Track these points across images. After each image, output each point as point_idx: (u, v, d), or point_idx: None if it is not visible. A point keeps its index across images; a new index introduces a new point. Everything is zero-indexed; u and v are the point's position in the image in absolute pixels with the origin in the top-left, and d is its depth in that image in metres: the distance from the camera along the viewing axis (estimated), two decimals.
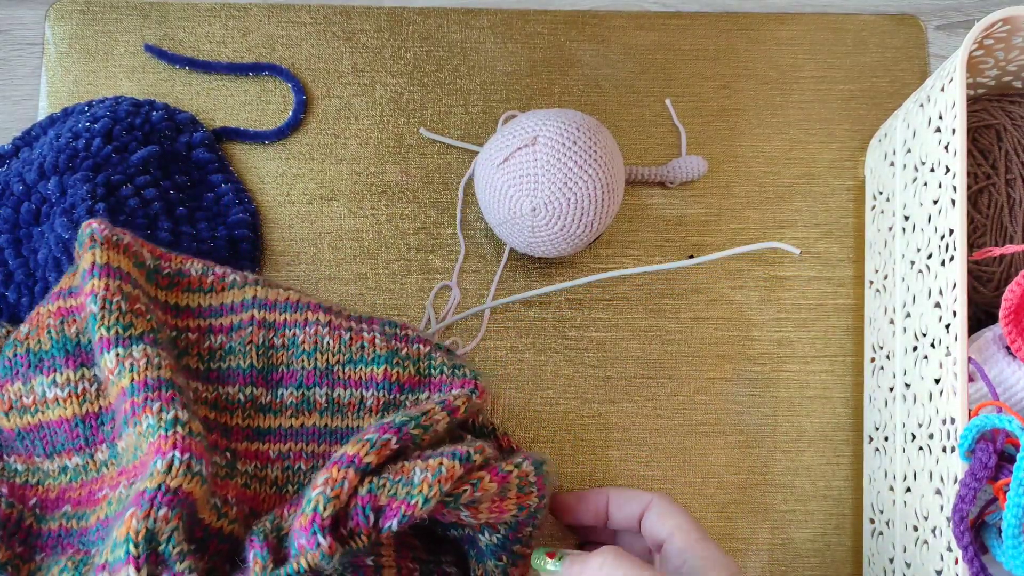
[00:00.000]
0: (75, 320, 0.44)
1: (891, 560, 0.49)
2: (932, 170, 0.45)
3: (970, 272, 0.49)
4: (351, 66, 0.56)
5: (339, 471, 0.38)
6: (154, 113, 0.53)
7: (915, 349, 0.47)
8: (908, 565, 0.47)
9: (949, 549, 0.42)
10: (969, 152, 0.50)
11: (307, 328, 0.47)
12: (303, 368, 0.47)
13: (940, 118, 0.44)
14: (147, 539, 0.36)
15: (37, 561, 0.42)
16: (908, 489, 0.47)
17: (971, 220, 0.49)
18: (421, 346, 0.47)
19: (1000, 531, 0.39)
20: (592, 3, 0.58)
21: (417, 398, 0.47)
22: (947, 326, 0.43)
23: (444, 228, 0.55)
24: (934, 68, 0.57)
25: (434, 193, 0.55)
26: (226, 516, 0.40)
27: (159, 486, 0.37)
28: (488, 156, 0.49)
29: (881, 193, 0.53)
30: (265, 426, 0.46)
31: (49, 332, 0.44)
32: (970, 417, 0.40)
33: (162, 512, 0.36)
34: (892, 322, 0.50)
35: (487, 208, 0.50)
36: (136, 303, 0.43)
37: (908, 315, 0.48)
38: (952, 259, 0.42)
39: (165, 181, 0.51)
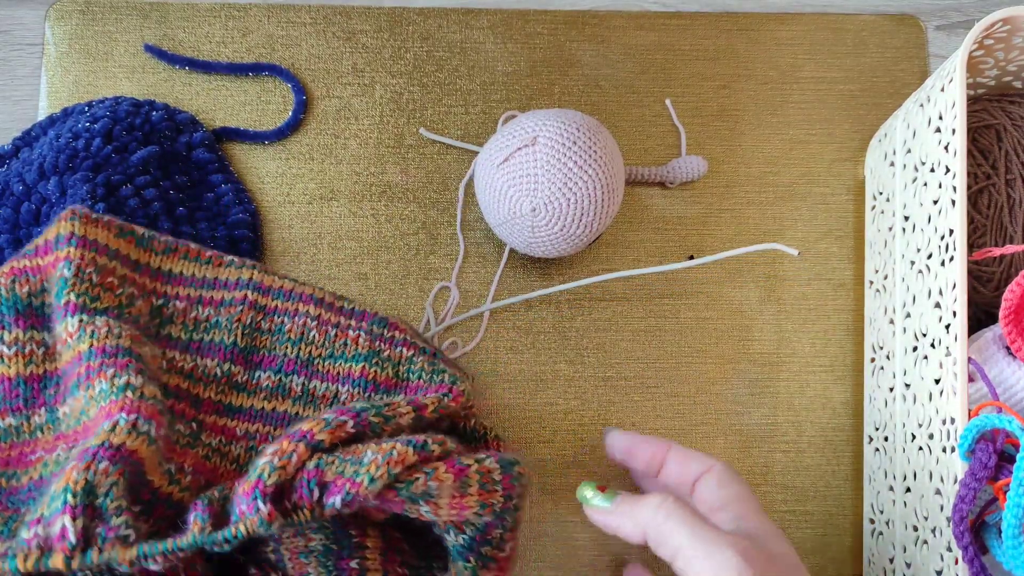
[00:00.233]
0: (28, 280, 0.44)
1: (891, 560, 0.49)
2: (932, 170, 0.45)
3: (970, 272, 0.49)
4: (351, 66, 0.56)
5: (290, 444, 0.38)
6: (154, 113, 0.53)
7: (915, 349, 0.47)
8: (908, 565, 0.47)
9: (949, 549, 0.42)
10: (969, 152, 0.50)
11: (296, 318, 0.47)
12: (285, 355, 0.47)
13: (940, 118, 0.44)
14: (86, 490, 0.36)
15: None
16: (908, 489, 0.47)
17: (971, 220, 0.49)
18: (404, 349, 0.48)
19: (1000, 531, 0.39)
20: (592, 3, 0.58)
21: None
22: (947, 326, 0.43)
23: (444, 228, 0.55)
24: (934, 68, 0.57)
25: (434, 193, 0.55)
26: (178, 483, 0.40)
27: (103, 443, 0.37)
28: (488, 156, 0.49)
29: (881, 193, 0.53)
30: (237, 404, 0.46)
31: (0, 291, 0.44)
32: (970, 417, 0.40)
33: (102, 466, 0.36)
34: (892, 322, 0.50)
35: (487, 208, 0.50)
36: (109, 276, 0.44)
37: (908, 315, 0.48)
38: (952, 259, 0.42)
39: (165, 181, 0.51)
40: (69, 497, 0.36)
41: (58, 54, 0.55)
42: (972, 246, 0.49)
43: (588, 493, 0.40)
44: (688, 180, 0.55)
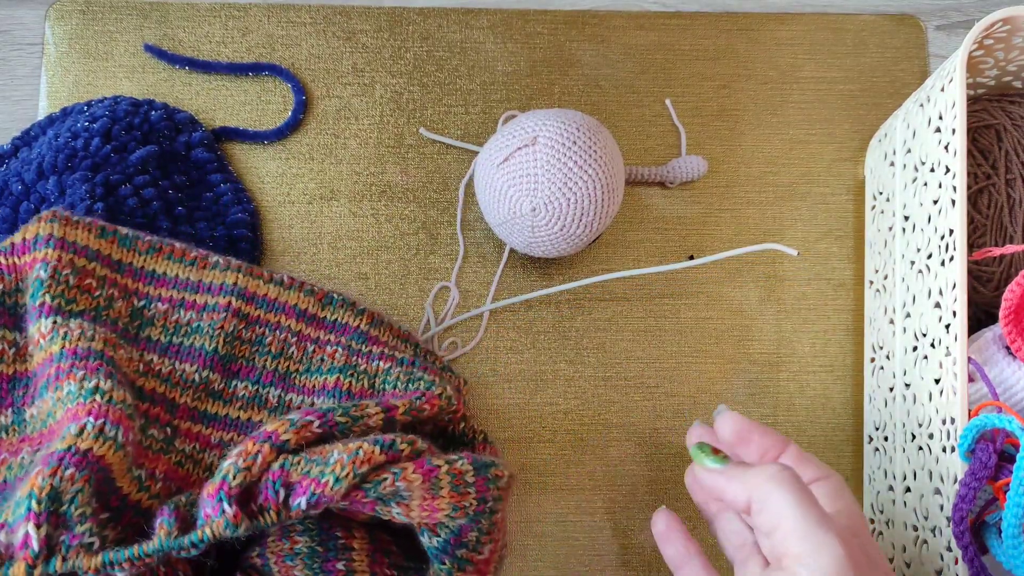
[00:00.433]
0: (2, 279, 0.44)
1: (891, 560, 0.48)
2: (932, 170, 0.45)
3: (970, 272, 0.49)
4: (351, 66, 0.56)
5: (254, 445, 0.37)
6: (153, 113, 0.53)
7: (915, 349, 0.47)
8: (908, 565, 0.47)
9: (949, 549, 0.42)
10: (969, 152, 0.50)
11: (277, 332, 0.47)
12: (263, 367, 0.47)
13: (940, 118, 0.44)
14: (50, 497, 0.35)
15: None
16: (908, 489, 0.47)
17: (971, 220, 0.49)
18: (381, 363, 0.47)
19: (1000, 531, 0.39)
20: (592, 3, 0.58)
21: None
22: (947, 326, 0.43)
23: (444, 228, 0.55)
24: (934, 68, 0.57)
25: (434, 193, 0.55)
26: (147, 489, 0.40)
27: (69, 447, 0.37)
28: (488, 156, 0.49)
29: (881, 193, 0.53)
30: (212, 412, 0.46)
31: None
32: (970, 417, 0.40)
33: (68, 472, 0.36)
34: (892, 322, 0.50)
35: (487, 208, 0.50)
36: (87, 278, 0.44)
37: (908, 315, 0.48)
38: (952, 259, 0.42)
39: (164, 181, 0.51)
40: (33, 504, 0.35)
41: (58, 54, 0.55)
42: (972, 246, 0.49)
43: (701, 455, 0.37)
44: (688, 180, 0.55)
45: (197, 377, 0.46)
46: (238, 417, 0.46)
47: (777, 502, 0.33)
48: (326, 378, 0.47)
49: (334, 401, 0.46)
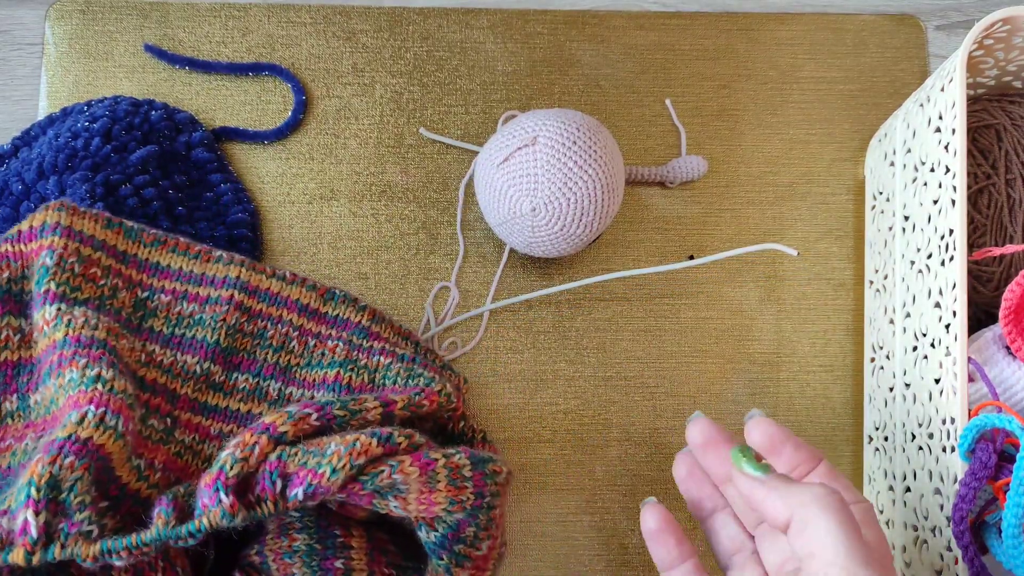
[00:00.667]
0: (9, 265, 0.44)
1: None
2: (932, 170, 0.45)
3: (970, 272, 0.49)
4: (351, 66, 0.56)
5: (252, 436, 0.37)
6: (153, 113, 0.53)
7: (915, 349, 0.47)
8: (908, 565, 0.47)
9: (949, 549, 0.42)
10: (969, 152, 0.50)
11: (279, 326, 0.48)
12: (264, 360, 0.47)
13: (940, 118, 0.44)
14: (49, 484, 0.35)
15: None
16: (908, 489, 0.47)
17: (971, 220, 0.49)
18: (382, 358, 0.48)
19: (1000, 531, 0.39)
20: (592, 3, 0.58)
21: None
22: (947, 326, 0.43)
23: (444, 228, 0.55)
24: (934, 68, 0.57)
25: (434, 193, 0.55)
26: (146, 479, 0.40)
27: (69, 436, 0.37)
28: (488, 156, 0.49)
29: (881, 193, 0.53)
30: (213, 403, 0.46)
31: None
32: (970, 417, 0.40)
33: (68, 460, 0.36)
34: (892, 322, 0.50)
35: (487, 208, 0.50)
36: (92, 267, 0.44)
37: (908, 315, 0.48)
38: (952, 259, 0.42)
39: (164, 181, 0.51)
40: (32, 491, 0.35)
41: (58, 54, 0.55)
42: (972, 246, 0.49)
43: (741, 459, 0.35)
44: (688, 180, 0.55)
45: (198, 369, 0.46)
46: (238, 409, 0.46)
47: (821, 527, 0.31)
48: (326, 372, 0.47)
49: (334, 395, 0.47)
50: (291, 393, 0.47)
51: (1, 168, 0.52)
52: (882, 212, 0.52)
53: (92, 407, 0.38)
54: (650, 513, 0.39)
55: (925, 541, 0.45)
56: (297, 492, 0.36)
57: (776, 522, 0.33)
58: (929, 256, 0.45)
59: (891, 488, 0.49)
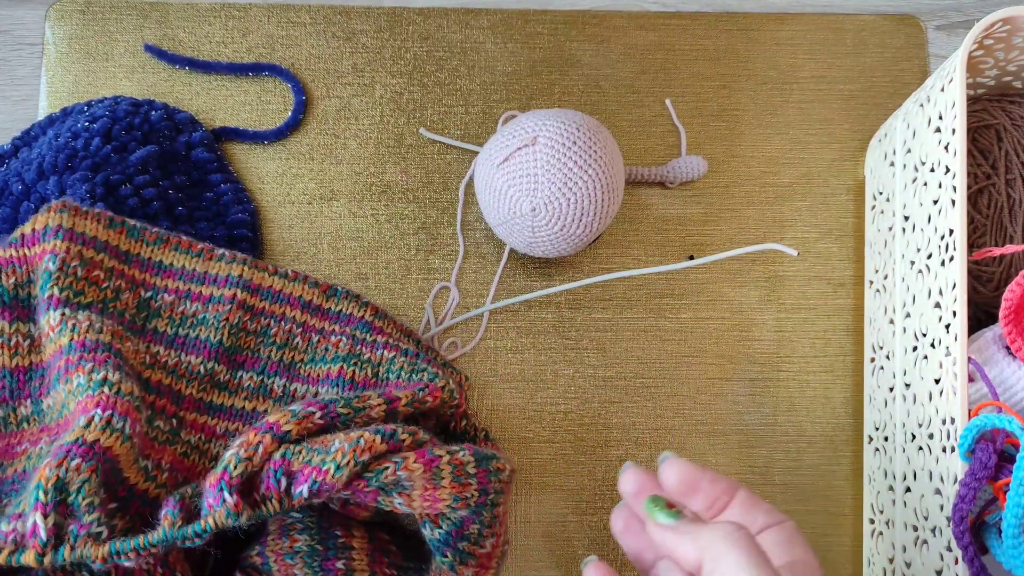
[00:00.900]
0: (15, 271, 0.44)
1: (891, 560, 0.48)
2: (932, 170, 0.45)
3: (970, 272, 0.49)
4: (351, 66, 0.56)
5: (256, 435, 0.38)
6: (153, 113, 0.53)
7: (915, 349, 0.47)
8: (908, 565, 0.47)
9: (949, 549, 0.42)
10: (969, 152, 0.50)
11: (282, 323, 0.48)
12: (268, 358, 0.47)
13: (940, 118, 0.44)
14: (57, 487, 0.36)
15: None
16: (908, 489, 0.47)
17: (971, 220, 0.49)
18: (385, 352, 0.48)
19: (1000, 531, 0.39)
20: (592, 3, 0.58)
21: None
22: (947, 326, 0.43)
23: (444, 228, 0.55)
24: (934, 68, 0.57)
25: (434, 193, 0.55)
26: (154, 479, 0.40)
27: (76, 439, 0.37)
28: (488, 156, 0.49)
29: (881, 193, 0.53)
30: (218, 403, 0.46)
31: None
32: (970, 417, 0.40)
33: (74, 463, 0.36)
34: (892, 322, 0.50)
35: (487, 208, 0.50)
36: (95, 270, 0.44)
37: (908, 315, 0.48)
38: (952, 259, 0.42)
39: (164, 181, 0.51)
40: (40, 494, 0.36)
41: (58, 54, 0.55)
42: (972, 246, 0.49)
43: (653, 506, 0.35)
44: (688, 180, 0.55)
45: (203, 368, 0.46)
46: (243, 407, 0.47)
47: (730, 565, 0.32)
48: (330, 367, 0.47)
49: (338, 390, 0.47)
50: (295, 389, 0.47)
51: (1, 168, 0.52)
52: (882, 212, 0.52)
53: (99, 410, 0.38)
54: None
55: (925, 541, 0.45)
56: (302, 490, 0.36)
57: (688, 565, 0.33)
58: (929, 256, 0.45)
59: (891, 488, 0.49)
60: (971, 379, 0.44)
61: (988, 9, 0.57)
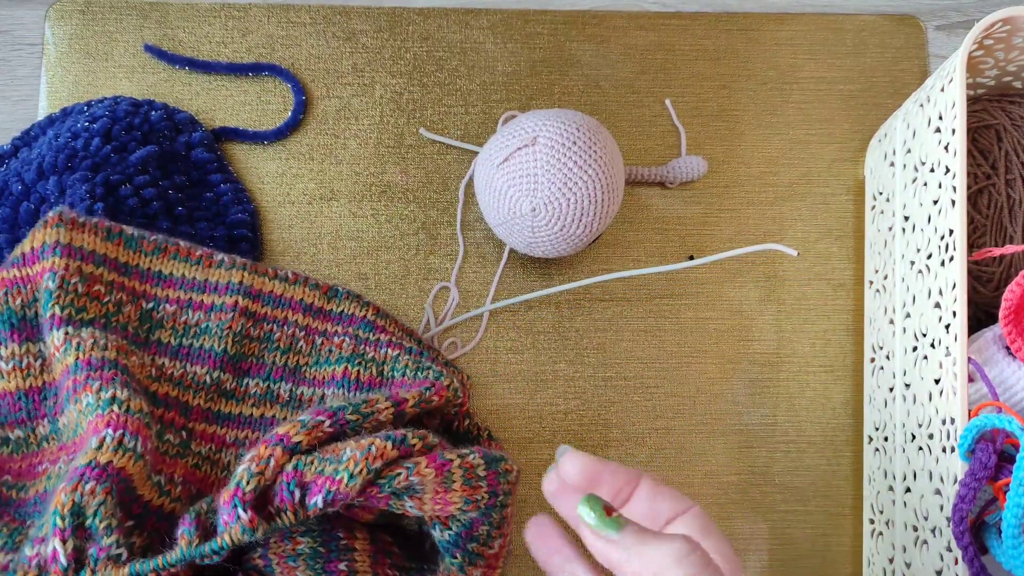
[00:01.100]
0: (20, 292, 0.44)
1: (891, 560, 0.48)
2: (932, 170, 0.45)
3: (970, 272, 0.49)
4: (351, 66, 0.56)
5: (266, 449, 0.38)
6: (153, 113, 0.53)
7: (915, 349, 0.47)
8: (908, 565, 0.47)
9: (949, 549, 0.42)
10: (969, 152, 0.50)
11: (285, 327, 0.48)
12: (273, 363, 0.48)
13: (940, 118, 0.44)
14: (73, 512, 0.36)
15: None
16: (908, 489, 0.47)
17: (971, 220, 0.49)
18: (389, 350, 0.48)
19: (1000, 531, 0.39)
20: (592, 3, 0.58)
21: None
22: (947, 326, 0.43)
23: (444, 228, 0.55)
24: (934, 68, 0.57)
25: (434, 193, 0.55)
26: (168, 494, 0.41)
27: (89, 462, 0.38)
28: (488, 156, 0.49)
29: (881, 193, 0.53)
30: (226, 411, 0.46)
31: None
32: (970, 417, 0.40)
33: (89, 486, 0.37)
34: (892, 322, 0.50)
35: (487, 208, 0.50)
36: (95, 284, 0.44)
37: (908, 315, 0.48)
38: (952, 259, 0.42)
39: (164, 181, 0.51)
40: (57, 520, 0.36)
41: (58, 54, 0.55)
42: (972, 246, 0.49)
43: (590, 512, 0.31)
44: (688, 180, 0.55)
45: (208, 378, 0.46)
46: (251, 414, 0.47)
47: None
48: (334, 368, 0.47)
49: (344, 391, 0.47)
50: (302, 393, 0.47)
51: (1, 168, 0.52)
52: (882, 212, 0.52)
53: (110, 430, 0.39)
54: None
55: (925, 541, 0.45)
56: (316, 500, 0.37)
57: None
58: (929, 256, 0.45)
59: (891, 488, 0.49)
60: (971, 379, 0.44)
61: (988, 9, 0.57)
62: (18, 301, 0.44)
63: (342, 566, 0.42)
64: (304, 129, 0.55)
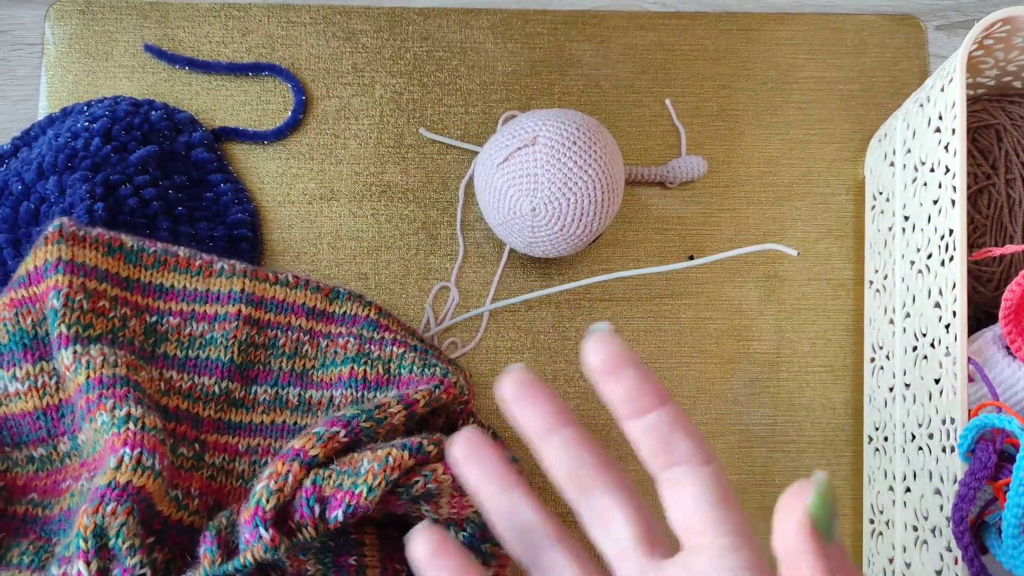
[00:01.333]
0: (30, 311, 0.44)
1: (891, 560, 0.48)
2: (932, 170, 0.45)
3: (970, 272, 0.49)
4: (351, 66, 0.56)
5: (284, 465, 0.38)
6: (153, 113, 0.53)
7: (915, 349, 0.47)
8: (908, 565, 0.47)
9: (949, 549, 0.42)
10: (969, 152, 0.50)
11: (289, 332, 0.48)
12: (280, 369, 0.48)
13: (940, 118, 0.44)
14: (95, 534, 0.36)
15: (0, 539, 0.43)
16: (908, 489, 0.47)
17: (971, 220, 0.49)
18: (395, 348, 0.48)
19: (1000, 531, 0.39)
20: (592, 3, 0.58)
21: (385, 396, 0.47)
22: (947, 326, 0.43)
23: (444, 228, 0.55)
24: (934, 68, 0.57)
25: (434, 193, 0.55)
26: (186, 508, 0.41)
27: (109, 483, 0.38)
28: (488, 156, 0.49)
29: (881, 193, 0.53)
30: (237, 420, 0.46)
31: (5, 325, 0.44)
32: (970, 417, 0.40)
33: (110, 507, 0.37)
34: (892, 322, 0.50)
35: (487, 208, 0.50)
36: (100, 300, 0.44)
37: (908, 315, 0.48)
38: (952, 259, 0.42)
39: (164, 181, 0.51)
40: (80, 542, 0.37)
41: (58, 54, 0.55)
42: (972, 246, 0.49)
43: (820, 516, 0.24)
44: (688, 180, 0.55)
45: (217, 389, 0.46)
46: (261, 421, 0.47)
47: None
48: (341, 369, 0.47)
49: (351, 391, 0.47)
50: (311, 396, 0.48)
51: (1, 168, 0.52)
52: (882, 212, 0.52)
53: (127, 449, 0.39)
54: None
55: (925, 541, 0.45)
56: (337, 514, 0.37)
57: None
58: (929, 256, 0.45)
59: (891, 488, 0.49)
60: (971, 379, 0.44)
61: (988, 9, 0.57)
62: (28, 320, 0.44)
63: (352, 560, 0.42)
64: (304, 129, 0.55)
